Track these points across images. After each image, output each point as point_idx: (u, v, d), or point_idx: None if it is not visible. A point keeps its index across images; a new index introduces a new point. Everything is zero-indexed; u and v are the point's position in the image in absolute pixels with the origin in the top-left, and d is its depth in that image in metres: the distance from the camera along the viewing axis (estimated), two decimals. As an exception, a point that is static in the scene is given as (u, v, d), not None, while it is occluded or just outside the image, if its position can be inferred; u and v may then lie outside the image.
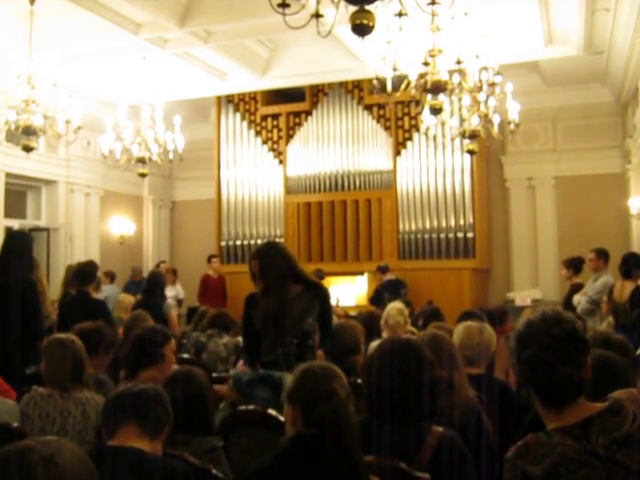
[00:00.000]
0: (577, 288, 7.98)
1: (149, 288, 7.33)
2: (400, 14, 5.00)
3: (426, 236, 11.33)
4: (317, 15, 3.99)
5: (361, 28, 3.97)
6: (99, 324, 4.36)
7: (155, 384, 2.66)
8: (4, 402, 3.46)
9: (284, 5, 3.94)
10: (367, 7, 3.96)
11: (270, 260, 4.14)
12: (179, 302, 11.78)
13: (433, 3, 4.95)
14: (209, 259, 12.08)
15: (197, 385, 3.03)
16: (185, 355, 5.81)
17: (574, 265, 8.39)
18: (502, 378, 4.15)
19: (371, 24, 3.97)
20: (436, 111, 6.79)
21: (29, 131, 7.35)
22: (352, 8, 4.00)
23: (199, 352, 5.94)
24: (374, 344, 5.19)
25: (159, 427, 2.46)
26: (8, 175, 10.56)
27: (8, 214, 10.76)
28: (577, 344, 1.95)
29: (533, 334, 1.97)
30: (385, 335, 5.61)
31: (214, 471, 2.65)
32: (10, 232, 6.58)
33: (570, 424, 1.89)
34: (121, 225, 13.19)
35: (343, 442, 2.08)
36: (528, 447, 1.91)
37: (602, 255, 7.81)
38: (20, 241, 5.59)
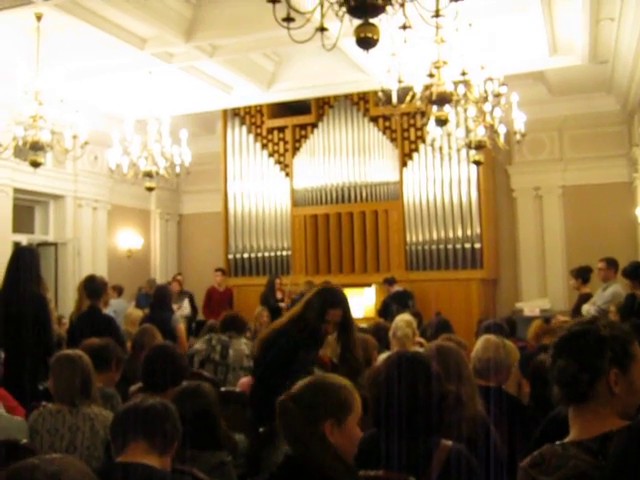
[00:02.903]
0: (586, 298, 7.95)
1: (156, 302, 7.33)
2: (404, 27, 5.01)
3: (433, 247, 11.32)
4: (322, 29, 4.00)
5: (366, 41, 3.98)
6: (109, 340, 4.35)
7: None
8: (12, 419, 3.46)
9: (289, 19, 3.95)
10: (371, 20, 3.98)
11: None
12: (185, 318, 11.77)
13: (437, 16, 4.95)
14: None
15: (205, 401, 3.03)
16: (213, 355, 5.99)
17: (582, 275, 8.35)
18: (512, 391, 4.11)
19: (376, 37, 3.98)
20: (442, 122, 6.79)
21: (37, 147, 7.40)
22: (357, 21, 4.02)
23: (225, 349, 6.03)
24: (382, 356, 5.19)
25: (168, 443, 2.46)
26: (16, 190, 10.61)
27: (16, 229, 10.81)
28: (592, 346, 1.94)
29: (564, 328, 2.03)
30: (394, 347, 5.59)
31: (223, 486, 2.65)
32: (18, 248, 6.59)
33: (588, 438, 1.88)
34: (129, 239, 13.22)
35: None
36: (543, 457, 1.90)
37: (612, 264, 7.78)
38: (28, 257, 5.61)
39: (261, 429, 3.44)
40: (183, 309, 11.70)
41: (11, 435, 3.27)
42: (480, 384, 3.46)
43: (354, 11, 4.00)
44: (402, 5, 4.13)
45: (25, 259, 5.52)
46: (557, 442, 1.96)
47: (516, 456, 3.28)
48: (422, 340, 6.34)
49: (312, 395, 2.24)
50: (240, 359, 5.96)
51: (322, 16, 3.99)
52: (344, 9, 4.01)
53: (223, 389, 4.74)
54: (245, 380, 4.97)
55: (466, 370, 3.19)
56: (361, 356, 4.32)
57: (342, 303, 4.02)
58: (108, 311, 9.08)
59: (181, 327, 7.15)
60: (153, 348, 3.95)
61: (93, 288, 6.48)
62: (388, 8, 4.06)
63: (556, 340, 2.01)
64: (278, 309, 10.29)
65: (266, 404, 3.22)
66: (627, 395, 1.91)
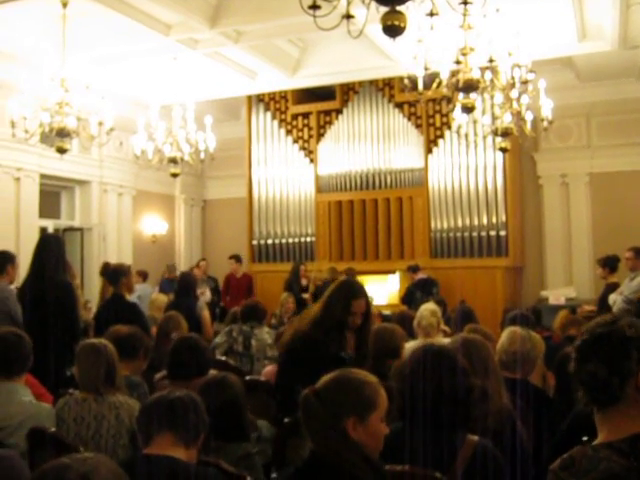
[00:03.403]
0: (613, 287, 7.86)
1: (181, 288, 7.37)
2: (431, 14, 4.96)
3: (458, 234, 11.26)
4: (348, 16, 3.97)
5: (392, 29, 3.94)
6: (137, 329, 4.37)
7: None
8: (40, 406, 3.50)
9: (315, 7, 3.92)
10: (398, 8, 3.94)
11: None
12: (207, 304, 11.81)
13: (465, 2, 4.89)
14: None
15: (231, 392, 3.03)
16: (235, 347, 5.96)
17: (609, 264, 8.25)
18: (537, 383, 4.08)
19: (402, 25, 3.94)
20: (468, 110, 6.73)
21: (63, 133, 7.45)
22: (383, 9, 3.97)
23: (248, 340, 6.01)
24: (408, 345, 5.18)
25: (195, 435, 2.46)
26: (42, 176, 10.69)
27: (43, 214, 10.90)
28: (619, 348, 1.90)
29: (585, 330, 1.98)
30: (419, 337, 5.57)
31: (249, 478, 2.65)
32: (43, 235, 6.65)
33: (618, 439, 1.84)
34: (153, 224, 13.29)
35: None
36: (573, 460, 1.87)
37: None
38: (54, 243, 5.66)
39: (286, 419, 3.44)
40: (205, 296, 11.75)
41: (40, 422, 3.31)
42: (506, 376, 3.44)
43: (380, -1, 3.96)
44: (429, -8, 4.09)
45: (51, 246, 5.57)
46: (586, 443, 1.93)
47: (542, 449, 3.28)
48: (446, 328, 6.32)
49: (335, 391, 2.22)
50: (264, 349, 5.93)
51: (348, 3, 3.95)
52: (371, -4, 3.98)
53: (248, 378, 4.75)
54: (270, 368, 4.97)
55: (492, 363, 3.16)
56: (384, 346, 4.30)
57: (364, 293, 4.01)
58: (133, 296, 9.20)
59: (206, 314, 7.18)
60: (179, 339, 3.96)
61: (109, 274, 6.53)
62: (415, -5, 4.02)
63: (579, 343, 1.96)
64: (302, 297, 10.31)
65: (291, 395, 3.26)
66: None
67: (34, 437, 3.15)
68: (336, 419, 2.18)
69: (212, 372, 4.48)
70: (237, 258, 12.15)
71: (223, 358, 5.63)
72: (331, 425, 2.17)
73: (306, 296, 10.43)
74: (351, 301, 3.89)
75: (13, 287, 5.99)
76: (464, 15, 6.04)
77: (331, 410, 2.19)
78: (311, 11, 3.91)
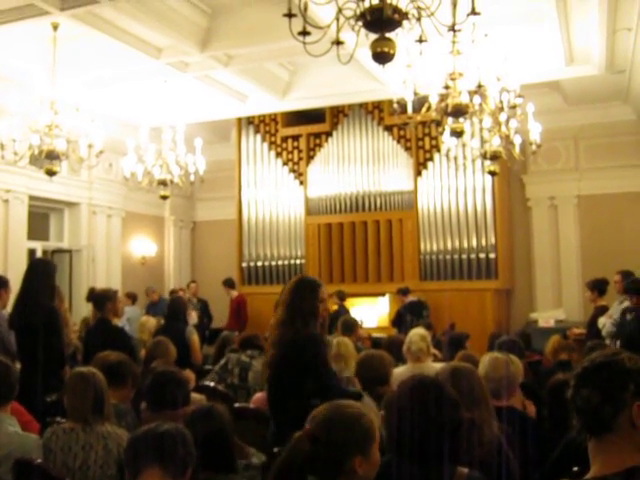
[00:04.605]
0: (602, 310, 7.87)
1: (171, 312, 7.33)
2: (420, 40, 4.98)
3: (448, 257, 11.27)
4: (338, 42, 3.99)
5: (382, 56, 3.98)
6: (124, 357, 4.33)
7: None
8: (27, 437, 3.44)
9: (305, 33, 3.93)
10: (387, 34, 3.97)
11: None
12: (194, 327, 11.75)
13: (454, 29, 4.93)
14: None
15: (219, 422, 2.99)
16: (231, 379, 5.81)
17: (598, 287, 8.28)
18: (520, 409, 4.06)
19: (392, 52, 3.97)
20: (457, 134, 6.78)
21: (52, 155, 7.43)
22: (372, 35, 4.00)
23: (244, 372, 5.88)
24: (397, 371, 5.17)
25: (183, 469, 2.43)
26: (31, 198, 10.65)
27: (31, 236, 10.85)
28: (616, 379, 1.91)
29: (587, 359, 2.00)
30: (409, 362, 5.56)
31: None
32: (33, 260, 6.62)
33: (611, 473, 1.84)
34: (143, 246, 13.25)
35: None
36: None
37: (628, 277, 7.70)
38: (43, 268, 5.63)
39: (276, 449, 3.40)
40: (192, 318, 11.67)
41: (26, 453, 3.26)
42: (494, 404, 3.41)
43: (370, 26, 3.99)
44: (418, 19, 4.11)
45: (38, 271, 5.54)
46: (577, 474, 1.92)
47: (530, 476, 3.26)
48: (436, 352, 6.31)
49: (335, 432, 2.16)
50: (261, 381, 5.71)
51: (338, 30, 3.97)
52: (360, 23, 4.01)
53: (237, 405, 4.71)
54: (259, 395, 4.93)
55: (482, 392, 3.14)
56: (373, 374, 4.31)
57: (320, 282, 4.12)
58: (122, 319, 9.14)
59: (195, 338, 7.14)
60: (158, 374, 3.84)
61: (95, 299, 6.50)
62: (404, 22, 4.05)
63: (579, 370, 1.98)
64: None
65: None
66: None
67: (20, 468, 3.11)
68: (342, 461, 2.14)
69: (199, 398, 4.45)
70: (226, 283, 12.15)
71: (212, 384, 5.56)
72: (338, 467, 2.13)
73: None
74: (318, 290, 4.01)
75: (5, 312, 5.95)
76: (453, 42, 6.08)
77: (335, 454, 2.14)
78: (301, 37, 3.92)
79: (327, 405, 2.27)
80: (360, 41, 4.00)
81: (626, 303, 7.34)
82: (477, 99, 6.57)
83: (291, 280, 4.21)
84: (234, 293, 12.08)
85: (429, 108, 6.50)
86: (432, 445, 2.34)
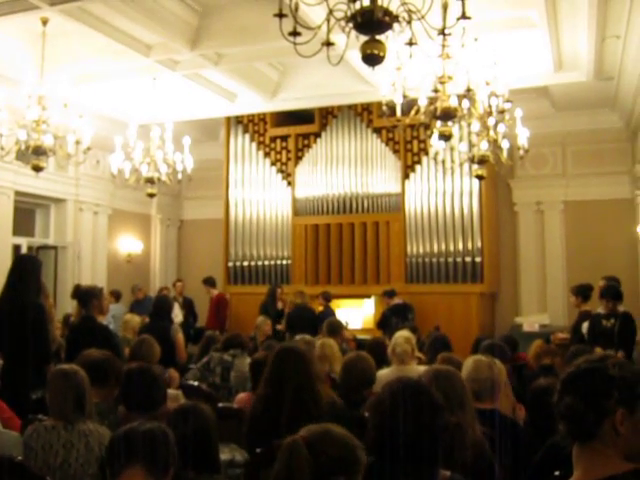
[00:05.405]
0: (586, 316, 7.91)
1: (156, 311, 7.31)
2: (410, 43, 4.99)
3: (434, 260, 11.29)
4: (328, 43, 3.99)
5: (372, 58, 3.97)
6: (108, 355, 4.30)
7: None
8: (8, 434, 3.43)
9: (295, 34, 3.93)
10: (378, 37, 3.97)
11: None
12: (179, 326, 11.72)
13: (443, 33, 4.94)
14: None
15: (202, 421, 2.97)
16: (214, 379, 5.82)
17: (582, 292, 8.32)
18: (507, 413, 4.07)
19: (382, 54, 3.97)
20: (446, 138, 6.78)
21: (39, 151, 7.39)
22: (363, 37, 4.00)
23: (226, 371, 5.87)
24: (381, 373, 5.17)
25: (165, 468, 2.41)
26: (17, 193, 10.59)
27: (17, 232, 10.79)
28: (600, 386, 1.92)
29: (572, 365, 2.02)
30: (393, 364, 5.56)
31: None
32: (19, 256, 6.58)
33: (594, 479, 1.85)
34: (129, 243, 13.21)
35: None
36: None
37: (612, 283, 7.74)
38: (29, 265, 5.59)
39: (258, 450, 3.39)
40: (176, 317, 11.64)
41: (6, 450, 3.24)
42: (477, 407, 3.42)
43: (361, 28, 3.99)
44: (409, 22, 4.12)
45: (25, 267, 5.50)
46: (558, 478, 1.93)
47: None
48: (421, 355, 6.32)
49: (327, 446, 2.08)
50: (243, 381, 5.71)
51: (328, 31, 3.97)
52: (351, 25, 4.01)
53: (220, 405, 4.70)
54: (243, 396, 4.92)
55: (464, 395, 3.15)
56: (359, 376, 4.32)
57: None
58: (107, 316, 9.10)
59: (180, 337, 7.12)
60: (130, 371, 3.81)
61: (80, 296, 6.47)
62: (395, 25, 4.06)
63: (563, 376, 1.99)
64: (279, 318, 10.23)
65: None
66: (633, 436, 1.88)
67: (1, 466, 3.08)
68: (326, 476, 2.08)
69: (175, 393, 4.43)
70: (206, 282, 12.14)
71: (195, 383, 5.54)
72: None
73: (280, 327, 10.24)
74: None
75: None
76: (443, 45, 6.10)
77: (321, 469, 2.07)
78: (291, 38, 3.92)
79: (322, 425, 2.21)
80: (350, 43, 4.00)
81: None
82: (466, 103, 6.58)
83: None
84: (214, 292, 12.04)
85: (418, 111, 6.50)
86: (415, 448, 2.34)
